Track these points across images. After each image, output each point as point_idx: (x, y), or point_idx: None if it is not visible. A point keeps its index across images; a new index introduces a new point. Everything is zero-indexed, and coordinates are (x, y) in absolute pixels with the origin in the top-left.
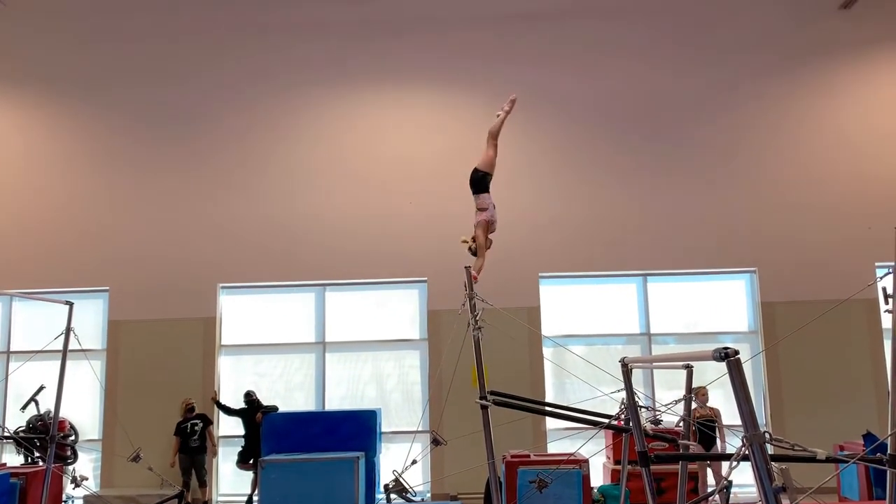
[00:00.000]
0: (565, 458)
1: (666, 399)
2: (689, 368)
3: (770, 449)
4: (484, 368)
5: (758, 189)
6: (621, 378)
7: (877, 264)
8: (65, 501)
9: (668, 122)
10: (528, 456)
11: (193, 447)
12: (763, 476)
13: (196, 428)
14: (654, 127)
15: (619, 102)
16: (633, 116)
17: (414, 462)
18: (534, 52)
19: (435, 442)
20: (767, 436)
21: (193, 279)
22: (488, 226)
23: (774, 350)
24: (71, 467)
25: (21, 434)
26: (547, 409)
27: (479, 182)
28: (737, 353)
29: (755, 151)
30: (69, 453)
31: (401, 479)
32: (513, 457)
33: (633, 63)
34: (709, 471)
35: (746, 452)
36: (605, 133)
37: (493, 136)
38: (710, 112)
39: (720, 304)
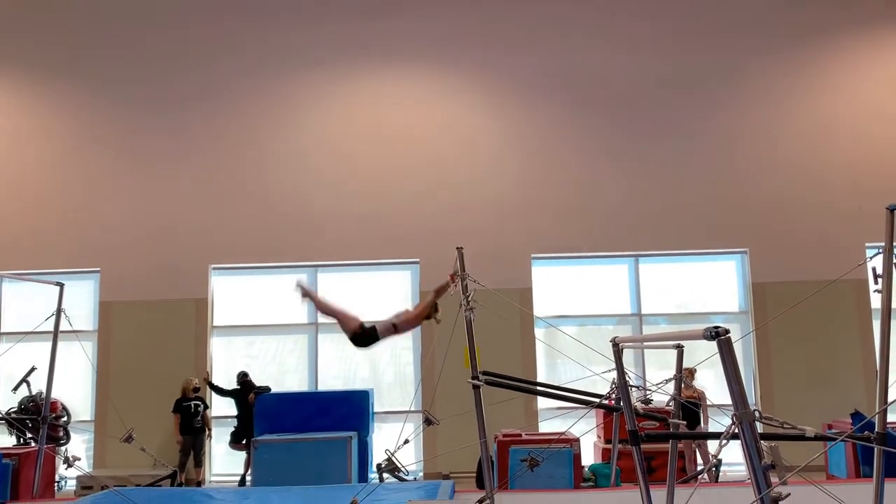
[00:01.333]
0: (556, 437)
1: (657, 379)
2: (679, 348)
3: (759, 427)
4: (476, 349)
5: (749, 170)
6: (612, 358)
7: (867, 245)
8: (57, 482)
9: (662, 103)
10: (520, 435)
11: (196, 427)
12: (752, 454)
13: (199, 409)
14: (648, 108)
15: (612, 84)
16: (627, 98)
17: (406, 441)
18: (528, 31)
19: (427, 421)
20: (757, 414)
21: (185, 260)
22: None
23: (765, 330)
24: (63, 448)
25: (13, 415)
26: (538, 388)
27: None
28: (727, 332)
29: (747, 132)
30: (61, 434)
31: (393, 459)
32: (504, 436)
33: (628, 44)
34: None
35: (736, 430)
36: (598, 114)
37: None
38: (703, 93)
39: (711, 285)
